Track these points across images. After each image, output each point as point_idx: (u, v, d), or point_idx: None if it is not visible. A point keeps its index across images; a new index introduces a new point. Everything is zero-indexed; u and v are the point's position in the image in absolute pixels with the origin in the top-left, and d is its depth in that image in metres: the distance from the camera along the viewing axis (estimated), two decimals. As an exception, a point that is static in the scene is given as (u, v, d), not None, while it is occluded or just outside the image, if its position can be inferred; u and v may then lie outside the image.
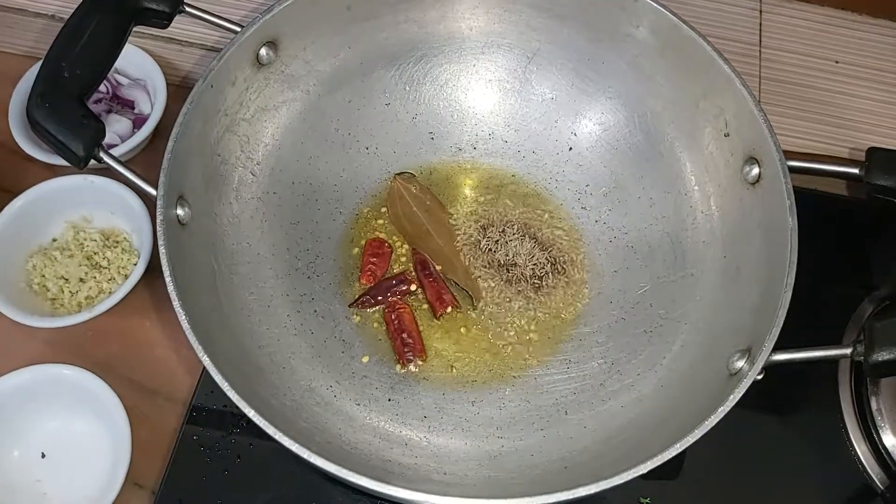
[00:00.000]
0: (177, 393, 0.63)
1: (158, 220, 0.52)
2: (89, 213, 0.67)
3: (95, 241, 0.66)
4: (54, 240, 0.66)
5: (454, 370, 0.62)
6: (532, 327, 0.64)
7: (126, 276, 0.64)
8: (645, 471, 0.47)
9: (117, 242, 0.67)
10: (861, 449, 0.63)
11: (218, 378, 0.47)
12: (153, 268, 0.64)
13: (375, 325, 0.63)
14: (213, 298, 0.56)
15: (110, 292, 0.64)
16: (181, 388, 0.63)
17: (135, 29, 0.58)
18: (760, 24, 0.80)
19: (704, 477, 0.61)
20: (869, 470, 0.63)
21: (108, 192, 0.65)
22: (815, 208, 0.70)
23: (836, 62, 0.79)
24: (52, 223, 0.66)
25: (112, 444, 0.59)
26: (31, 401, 0.59)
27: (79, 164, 0.51)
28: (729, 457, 0.62)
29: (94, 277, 0.65)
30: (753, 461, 0.63)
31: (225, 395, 0.60)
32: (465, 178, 0.69)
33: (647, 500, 0.60)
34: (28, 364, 0.59)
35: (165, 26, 0.59)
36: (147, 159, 0.70)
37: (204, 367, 0.62)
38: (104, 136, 0.51)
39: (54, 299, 0.64)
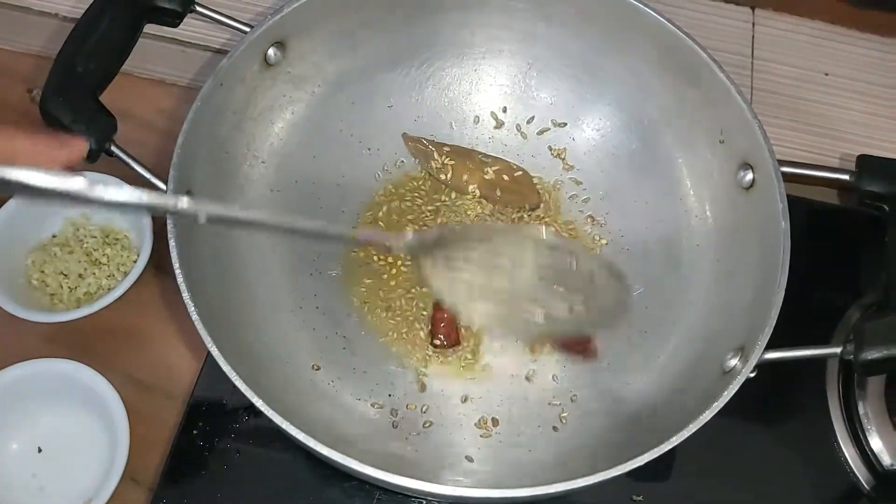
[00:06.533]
0: (175, 389, 0.63)
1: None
2: (89, 210, 0.67)
3: (95, 237, 0.66)
4: (54, 236, 0.66)
5: (454, 367, 0.63)
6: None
7: (125, 274, 0.65)
8: (642, 463, 0.48)
9: (117, 240, 0.67)
10: (849, 452, 0.64)
11: (227, 368, 0.48)
12: (152, 265, 0.64)
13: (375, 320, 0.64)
14: (217, 293, 0.56)
15: (109, 289, 0.64)
16: (180, 385, 0.63)
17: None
18: (753, 37, 0.81)
19: (695, 478, 0.62)
20: (856, 471, 0.64)
21: (108, 189, 0.65)
22: (806, 217, 0.72)
23: (827, 74, 0.80)
24: (51, 219, 0.66)
25: (109, 439, 0.59)
26: (29, 395, 0.59)
27: (91, 158, 0.52)
28: (719, 458, 0.63)
29: (94, 274, 0.65)
30: (744, 463, 0.64)
31: (224, 391, 0.61)
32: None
33: (640, 498, 0.61)
34: (26, 359, 0.59)
35: (176, 25, 0.60)
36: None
37: (203, 363, 0.63)
38: (116, 130, 0.52)
39: (53, 295, 0.64)
